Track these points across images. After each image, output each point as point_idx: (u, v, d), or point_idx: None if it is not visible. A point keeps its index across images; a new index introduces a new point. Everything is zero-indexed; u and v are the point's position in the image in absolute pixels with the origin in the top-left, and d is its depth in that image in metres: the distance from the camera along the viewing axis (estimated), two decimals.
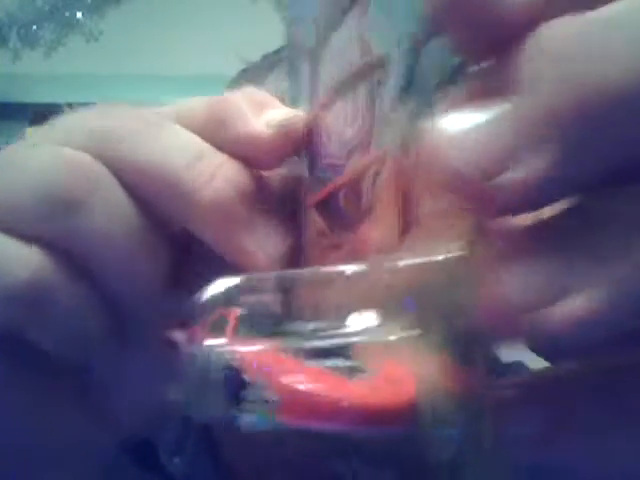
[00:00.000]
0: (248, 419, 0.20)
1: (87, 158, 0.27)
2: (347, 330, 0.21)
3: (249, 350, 0.21)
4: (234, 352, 0.21)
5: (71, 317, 0.26)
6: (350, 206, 0.29)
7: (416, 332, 0.20)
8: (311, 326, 0.22)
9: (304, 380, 0.20)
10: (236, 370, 0.21)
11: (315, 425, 0.20)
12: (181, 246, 0.30)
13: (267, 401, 0.20)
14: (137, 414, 0.29)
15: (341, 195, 0.29)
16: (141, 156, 0.28)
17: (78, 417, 0.28)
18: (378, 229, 0.27)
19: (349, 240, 0.29)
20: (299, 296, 0.25)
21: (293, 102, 0.32)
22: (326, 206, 0.30)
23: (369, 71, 0.28)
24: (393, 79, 0.26)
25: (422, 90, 0.26)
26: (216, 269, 0.26)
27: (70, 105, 0.34)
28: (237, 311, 0.23)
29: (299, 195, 0.31)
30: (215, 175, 0.29)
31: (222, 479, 0.34)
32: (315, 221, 0.30)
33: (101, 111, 0.28)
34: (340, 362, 0.21)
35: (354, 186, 0.29)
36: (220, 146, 0.30)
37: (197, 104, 0.31)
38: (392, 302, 0.22)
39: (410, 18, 0.26)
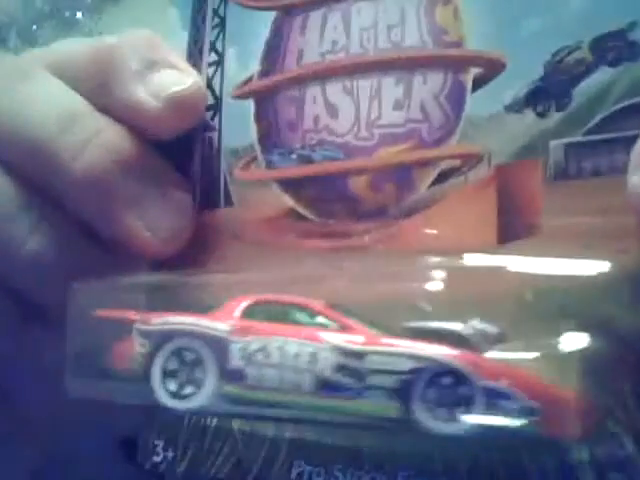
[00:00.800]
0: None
1: None
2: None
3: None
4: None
5: None
6: (380, 196, 0.27)
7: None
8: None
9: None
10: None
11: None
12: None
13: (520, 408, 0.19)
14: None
15: (357, 181, 0.27)
16: None
17: None
18: (450, 227, 0.26)
19: (366, 230, 0.27)
20: None
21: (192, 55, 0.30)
22: (305, 187, 0.28)
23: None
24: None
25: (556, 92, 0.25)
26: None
27: None
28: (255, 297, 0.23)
29: (211, 166, 0.29)
30: (90, 142, 0.25)
31: None
32: (279, 200, 0.28)
33: None
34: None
35: (396, 172, 0.27)
36: (101, 105, 0.26)
37: (78, 48, 0.27)
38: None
39: None
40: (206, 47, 0.31)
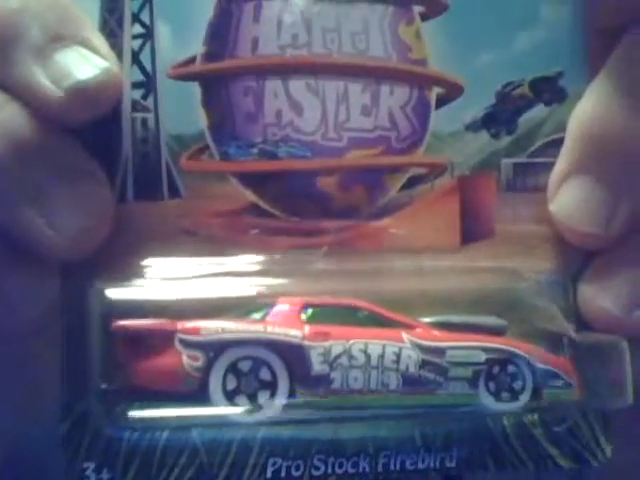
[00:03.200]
0: None
1: None
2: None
3: None
4: None
5: None
6: (350, 196, 0.28)
7: None
8: None
9: None
10: None
11: None
12: None
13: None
14: None
15: (326, 180, 0.29)
16: None
17: None
18: (413, 228, 0.28)
19: (334, 229, 0.29)
20: None
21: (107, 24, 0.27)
22: (269, 183, 0.28)
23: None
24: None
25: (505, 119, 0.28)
26: None
27: None
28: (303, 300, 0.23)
29: (147, 152, 0.27)
30: None
31: None
32: (238, 195, 0.27)
33: None
34: None
35: (365, 174, 0.28)
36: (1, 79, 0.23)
37: None
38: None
39: None
40: (127, 18, 0.27)
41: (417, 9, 0.29)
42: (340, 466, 0.26)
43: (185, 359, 0.21)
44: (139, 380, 0.22)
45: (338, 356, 0.23)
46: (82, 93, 0.23)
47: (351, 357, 0.23)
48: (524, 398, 0.24)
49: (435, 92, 0.29)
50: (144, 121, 0.27)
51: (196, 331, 0.22)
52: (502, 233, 0.28)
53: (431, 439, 0.26)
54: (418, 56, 0.28)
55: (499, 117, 0.29)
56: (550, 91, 0.29)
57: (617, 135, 0.26)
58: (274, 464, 0.25)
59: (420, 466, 0.26)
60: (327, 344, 0.23)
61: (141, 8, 0.27)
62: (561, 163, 0.27)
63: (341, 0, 0.28)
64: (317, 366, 0.22)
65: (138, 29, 0.27)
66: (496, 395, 0.24)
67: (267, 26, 0.28)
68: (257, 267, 0.26)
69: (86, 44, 0.24)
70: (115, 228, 0.26)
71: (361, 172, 0.28)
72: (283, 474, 0.24)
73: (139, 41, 0.27)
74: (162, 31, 0.27)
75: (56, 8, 0.24)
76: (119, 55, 0.27)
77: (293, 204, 0.28)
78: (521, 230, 0.28)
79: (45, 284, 0.25)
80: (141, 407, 0.22)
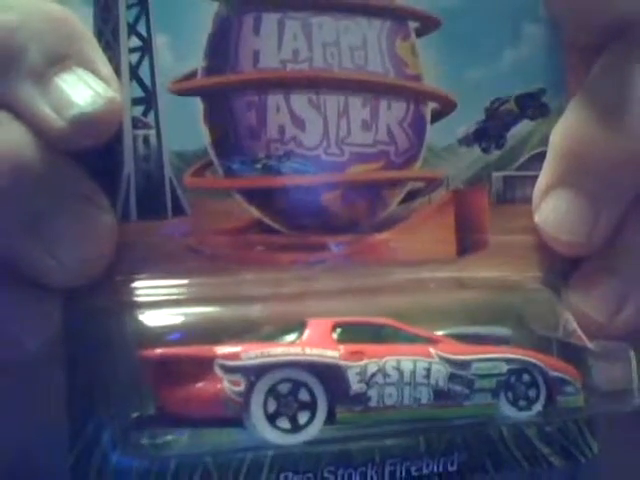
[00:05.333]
0: None
1: None
2: None
3: None
4: None
5: None
6: (352, 211, 0.29)
7: None
8: None
9: None
10: None
11: None
12: None
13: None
14: None
15: (329, 195, 0.29)
16: None
17: None
18: (413, 241, 0.28)
19: (337, 243, 0.29)
20: None
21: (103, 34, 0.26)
22: (273, 199, 0.27)
23: None
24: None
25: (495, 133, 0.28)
26: None
27: None
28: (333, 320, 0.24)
29: (149, 170, 0.26)
30: None
31: None
32: (243, 211, 0.27)
33: None
34: None
35: (366, 189, 0.29)
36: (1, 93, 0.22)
37: None
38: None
39: None
40: (122, 29, 0.27)
41: (412, 25, 0.29)
42: (349, 477, 0.26)
43: (226, 384, 0.21)
44: (174, 407, 0.22)
45: (374, 374, 0.23)
46: (85, 124, 0.22)
47: (385, 374, 0.23)
48: (538, 406, 0.25)
49: (430, 107, 0.29)
50: (146, 138, 0.26)
51: (236, 356, 0.21)
52: (495, 244, 0.29)
53: (435, 445, 0.27)
54: (414, 72, 0.29)
55: (489, 132, 0.30)
56: (534, 107, 0.30)
57: (595, 151, 0.27)
58: (285, 478, 0.25)
59: (424, 471, 0.27)
60: (363, 363, 0.23)
61: (137, 19, 0.26)
62: (544, 176, 0.29)
63: (340, 14, 0.28)
64: (355, 385, 0.23)
65: (136, 42, 0.26)
66: (514, 404, 0.25)
67: (268, 39, 0.27)
68: (263, 288, 0.26)
69: (87, 65, 0.23)
70: (119, 248, 0.25)
71: (362, 187, 0.28)
72: None
73: (137, 54, 0.26)
74: (160, 44, 0.27)
75: (56, 24, 0.23)
76: (117, 70, 0.26)
77: (297, 219, 0.27)
78: (512, 240, 0.29)
79: (46, 314, 0.24)
80: (177, 434, 0.22)
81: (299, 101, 0.28)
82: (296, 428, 0.22)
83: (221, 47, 0.27)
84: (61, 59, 0.22)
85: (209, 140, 0.27)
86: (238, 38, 0.27)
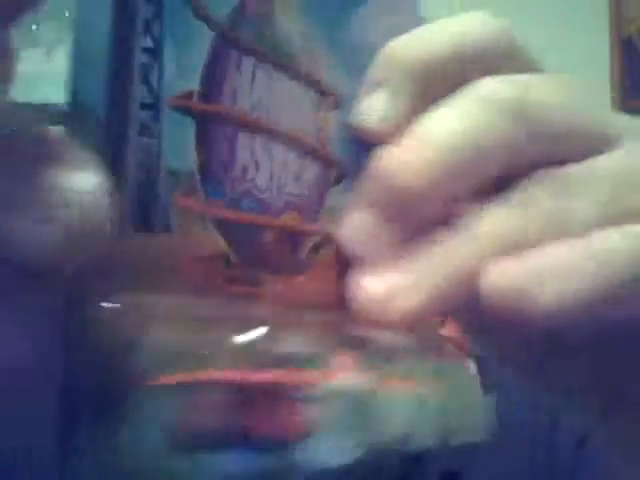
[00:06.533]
0: None
1: None
2: None
3: None
4: None
5: None
6: (282, 253, 0.31)
7: None
8: None
9: None
10: None
11: None
12: None
13: None
14: None
15: (270, 236, 0.31)
16: None
17: None
18: (318, 286, 0.32)
19: (268, 281, 0.31)
20: None
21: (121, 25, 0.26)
22: (233, 231, 0.29)
23: None
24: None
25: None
26: None
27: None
28: None
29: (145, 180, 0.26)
30: None
31: None
32: (215, 239, 0.28)
33: None
34: None
35: (291, 236, 0.32)
36: None
37: None
38: None
39: None
40: (140, 22, 0.26)
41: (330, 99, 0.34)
42: None
43: (306, 412, 0.22)
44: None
45: None
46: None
47: None
48: None
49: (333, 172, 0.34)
50: (148, 146, 0.26)
51: (313, 385, 0.23)
52: None
53: None
54: (326, 140, 0.33)
55: None
56: None
57: None
58: None
59: None
60: None
61: (154, 17, 0.26)
62: None
63: (289, 75, 0.31)
64: None
65: (149, 42, 0.26)
66: None
67: (244, 80, 0.29)
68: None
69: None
70: (114, 260, 0.24)
71: (289, 232, 0.31)
72: None
73: (148, 56, 0.26)
74: (168, 51, 0.26)
75: None
76: (129, 70, 0.25)
77: (247, 254, 0.29)
78: None
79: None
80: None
81: (259, 146, 0.30)
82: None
83: (212, 76, 0.28)
84: None
85: (196, 163, 0.27)
86: (225, 72, 0.28)
